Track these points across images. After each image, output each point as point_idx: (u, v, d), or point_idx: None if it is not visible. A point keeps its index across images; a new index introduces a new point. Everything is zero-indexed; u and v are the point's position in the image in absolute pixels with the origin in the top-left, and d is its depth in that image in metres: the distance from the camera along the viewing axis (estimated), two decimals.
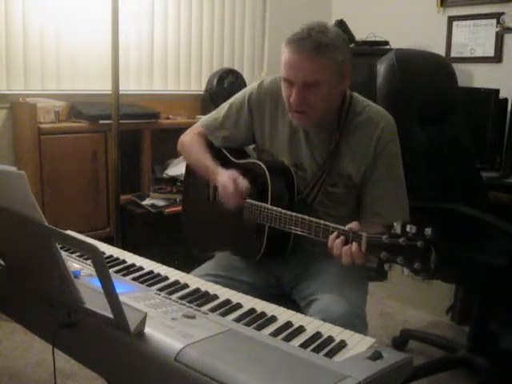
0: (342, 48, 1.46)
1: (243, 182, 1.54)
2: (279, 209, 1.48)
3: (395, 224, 1.22)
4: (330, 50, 1.43)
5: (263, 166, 1.56)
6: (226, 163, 1.69)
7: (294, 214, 1.44)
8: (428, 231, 1.17)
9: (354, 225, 1.32)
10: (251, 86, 1.71)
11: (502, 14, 3.14)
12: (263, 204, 1.53)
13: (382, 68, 2.00)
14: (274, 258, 1.61)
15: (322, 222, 1.38)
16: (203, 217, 1.77)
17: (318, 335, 1.02)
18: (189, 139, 1.78)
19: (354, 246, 1.29)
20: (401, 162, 1.58)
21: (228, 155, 1.72)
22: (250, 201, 1.57)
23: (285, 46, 1.47)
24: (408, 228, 1.19)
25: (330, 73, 1.45)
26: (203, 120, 1.79)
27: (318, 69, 1.43)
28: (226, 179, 1.54)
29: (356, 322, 1.35)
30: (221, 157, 1.71)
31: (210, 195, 1.73)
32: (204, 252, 1.75)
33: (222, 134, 1.72)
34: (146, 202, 2.97)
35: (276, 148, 1.64)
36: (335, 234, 1.33)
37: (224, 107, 1.74)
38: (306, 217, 1.42)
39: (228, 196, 1.54)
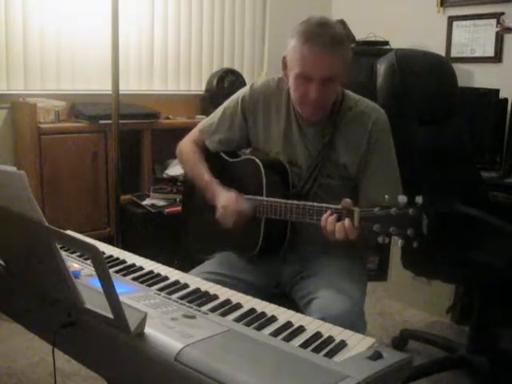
0: (348, 42, 1.54)
1: (241, 201, 1.55)
2: (273, 198, 1.51)
3: (386, 197, 1.23)
4: (343, 44, 1.49)
5: (257, 160, 1.59)
6: (221, 163, 1.72)
7: (288, 201, 1.48)
8: (419, 199, 1.18)
9: (346, 202, 1.35)
10: (243, 89, 1.74)
11: (502, 14, 3.15)
12: (258, 197, 1.55)
13: (382, 68, 2.00)
14: (273, 255, 1.61)
15: (315, 204, 1.42)
16: (202, 219, 1.77)
17: (318, 335, 1.02)
18: (187, 150, 1.79)
19: (347, 221, 1.32)
20: (394, 152, 1.61)
21: (223, 155, 1.74)
22: (245, 196, 1.58)
23: (302, 43, 1.46)
24: (399, 199, 1.21)
25: (342, 67, 1.50)
26: (200, 124, 1.82)
27: (336, 63, 1.47)
28: (226, 201, 1.56)
29: (355, 321, 1.35)
30: (216, 158, 1.74)
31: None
32: (204, 254, 1.75)
33: (218, 137, 1.74)
34: (146, 202, 2.97)
35: (270, 147, 1.66)
36: (328, 212, 1.37)
37: (218, 112, 1.76)
38: (301, 202, 1.45)
39: (227, 215, 1.56)
